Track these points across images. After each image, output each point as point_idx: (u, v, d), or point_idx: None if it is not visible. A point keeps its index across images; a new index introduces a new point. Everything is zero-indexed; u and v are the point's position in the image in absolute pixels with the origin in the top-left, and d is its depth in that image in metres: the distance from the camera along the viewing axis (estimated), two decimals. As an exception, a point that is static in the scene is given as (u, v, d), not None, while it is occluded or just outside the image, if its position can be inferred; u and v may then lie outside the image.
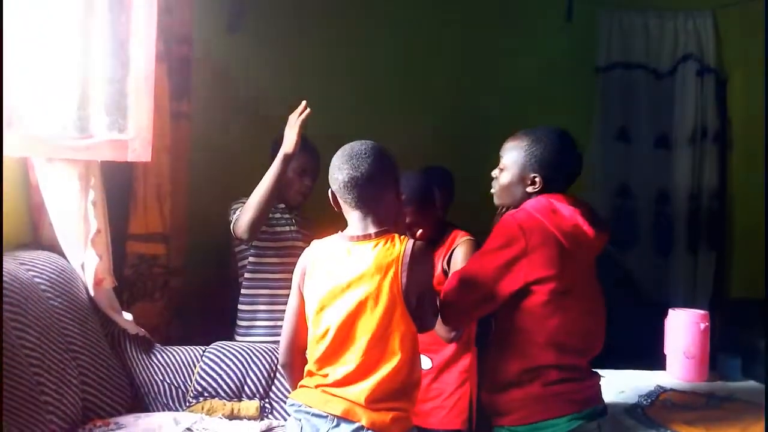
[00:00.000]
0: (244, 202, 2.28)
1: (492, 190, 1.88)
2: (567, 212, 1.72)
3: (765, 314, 2.77)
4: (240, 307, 2.46)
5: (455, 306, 1.76)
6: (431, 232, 2.12)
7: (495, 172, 1.86)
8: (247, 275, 2.45)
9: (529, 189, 1.79)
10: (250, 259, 2.43)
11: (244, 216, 2.23)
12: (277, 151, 2.24)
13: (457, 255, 2.09)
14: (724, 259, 3.99)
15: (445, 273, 2.09)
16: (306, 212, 2.56)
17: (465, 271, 1.77)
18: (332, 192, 1.67)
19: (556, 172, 1.78)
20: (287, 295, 2.48)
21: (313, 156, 2.39)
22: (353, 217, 1.64)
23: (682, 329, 2.36)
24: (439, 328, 1.86)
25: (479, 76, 3.90)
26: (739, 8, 3.74)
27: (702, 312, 2.40)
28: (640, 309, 3.27)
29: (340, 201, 1.65)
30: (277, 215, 2.45)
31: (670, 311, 2.43)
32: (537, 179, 1.77)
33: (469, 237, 2.14)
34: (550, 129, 1.82)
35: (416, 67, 3.81)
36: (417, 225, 2.05)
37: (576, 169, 1.83)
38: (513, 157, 1.81)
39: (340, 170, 1.62)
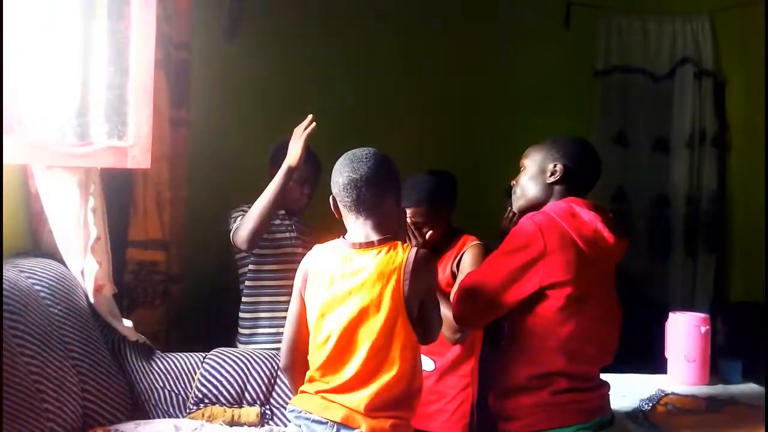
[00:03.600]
0: (245, 211, 2.28)
1: (513, 196, 1.88)
2: (587, 217, 1.70)
3: (765, 317, 2.77)
4: (241, 315, 2.45)
5: (469, 306, 1.74)
6: (441, 236, 2.13)
7: (515, 180, 1.86)
8: (247, 283, 2.44)
9: (550, 179, 1.77)
10: (250, 267, 2.43)
11: (244, 226, 2.23)
12: (276, 160, 2.24)
13: (466, 259, 2.09)
14: (723, 262, 3.99)
15: (454, 276, 2.10)
16: (307, 219, 2.56)
17: (480, 272, 1.75)
18: (333, 197, 1.67)
19: (576, 165, 1.77)
20: (288, 302, 2.47)
21: (314, 166, 2.40)
22: (353, 222, 1.64)
23: (683, 333, 2.35)
24: (444, 328, 1.86)
25: (479, 81, 3.91)
26: (736, 12, 3.75)
27: (702, 315, 2.40)
28: (641, 313, 3.27)
29: (340, 205, 1.65)
30: (277, 222, 2.45)
31: (671, 315, 2.42)
32: (558, 167, 1.76)
33: (478, 242, 2.14)
34: (575, 136, 1.86)
35: (416, 72, 3.81)
36: (428, 227, 2.07)
37: (595, 172, 1.82)
38: (533, 155, 1.82)
39: (340, 174, 1.62)
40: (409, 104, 3.76)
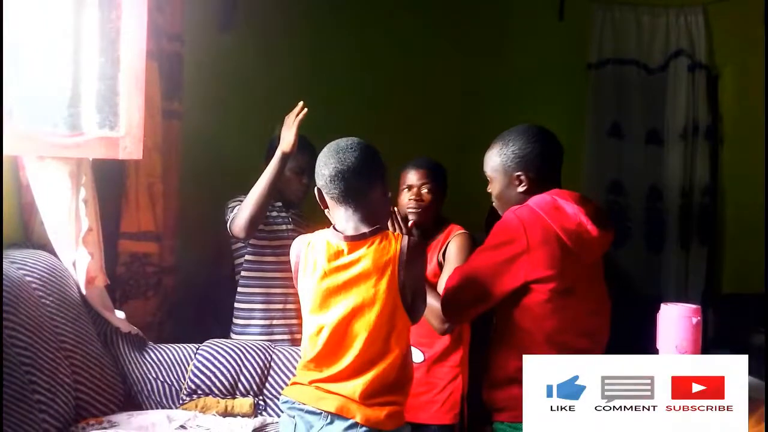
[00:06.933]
0: (241, 201, 2.28)
1: (494, 204, 1.89)
2: (571, 210, 1.71)
3: (765, 309, 2.78)
4: (236, 305, 2.46)
5: (456, 302, 1.76)
6: (430, 223, 2.14)
7: (488, 188, 1.87)
8: (243, 273, 2.44)
9: (520, 189, 1.79)
10: (247, 257, 2.43)
11: (241, 214, 2.23)
12: (273, 153, 2.24)
13: (452, 248, 2.11)
14: (715, 254, 4.01)
15: (440, 265, 2.11)
16: (303, 210, 2.55)
17: (466, 268, 1.77)
18: (318, 189, 1.66)
19: (537, 165, 1.78)
20: (283, 294, 2.47)
21: (310, 155, 2.38)
22: (341, 213, 1.63)
23: (674, 324, 2.35)
24: (433, 319, 1.87)
25: (472, 73, 3.90)
26: (729, 4, 3.76)
27: (694, 307, 2.40)
28: (633, 304, 3.29)
29: (327, 197, 1.65)
30: (274, 213, 2.45)
31: (662, 306, 2.42)
32: (522, 177, 1.78)
33: (464, 231, 2.16)
34: (519, 127, 1.84)
35: (411, 64, 3.80)
36: (427, 194, 2.11)
37: (557, 156, 1.82)
38: (493, 164, 1.83)
39: (326, 165, 1.62)
40: (402, 95, 3.75)
